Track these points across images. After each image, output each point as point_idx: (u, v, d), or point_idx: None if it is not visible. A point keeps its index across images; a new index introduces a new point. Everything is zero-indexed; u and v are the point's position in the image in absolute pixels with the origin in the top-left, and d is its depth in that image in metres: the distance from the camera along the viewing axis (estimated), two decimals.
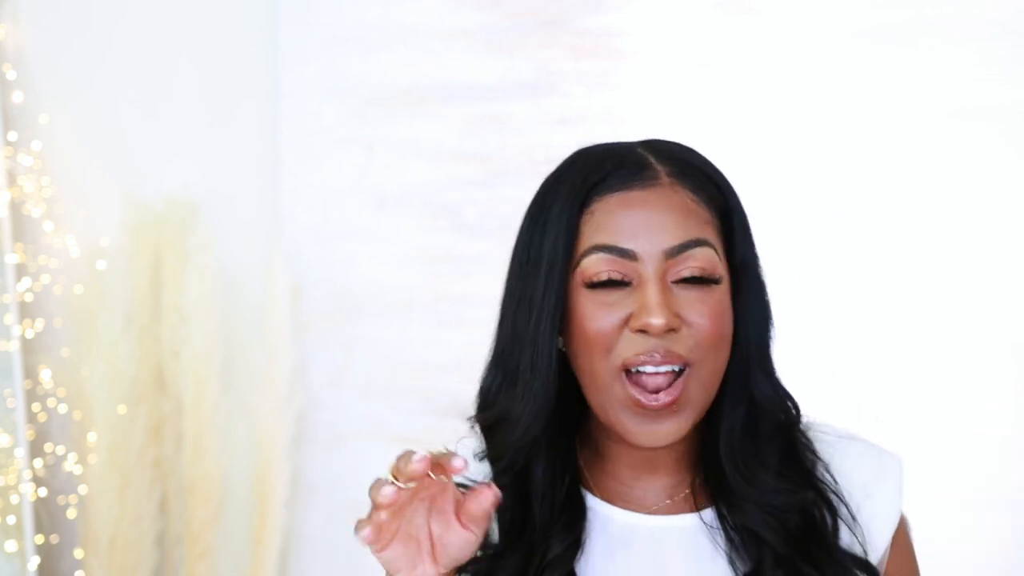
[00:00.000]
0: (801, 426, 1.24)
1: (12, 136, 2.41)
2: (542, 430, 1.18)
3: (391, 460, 1.02)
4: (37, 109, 2.46)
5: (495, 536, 1.20)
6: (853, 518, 1.20)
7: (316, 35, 2.94)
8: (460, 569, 1.15)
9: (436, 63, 2.82)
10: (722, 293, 1.16)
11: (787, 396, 1.22)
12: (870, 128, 2.43)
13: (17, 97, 2.43)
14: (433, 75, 2.83)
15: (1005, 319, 2.34)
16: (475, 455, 1.24)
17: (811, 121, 2.47)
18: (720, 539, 1.19)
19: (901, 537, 1.24)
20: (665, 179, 1.17)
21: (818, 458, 1.22)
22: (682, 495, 1.22)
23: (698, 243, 1.14)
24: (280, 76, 2.97)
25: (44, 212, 2.45)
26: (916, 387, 2.40)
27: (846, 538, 1.19)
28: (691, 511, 1.21)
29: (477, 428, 1.24)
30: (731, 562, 1.18)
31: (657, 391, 1.13)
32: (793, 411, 1.23)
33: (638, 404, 1.13)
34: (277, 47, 2.97)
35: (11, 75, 2.42)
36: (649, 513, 1.21)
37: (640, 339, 1.13)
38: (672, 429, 1.14)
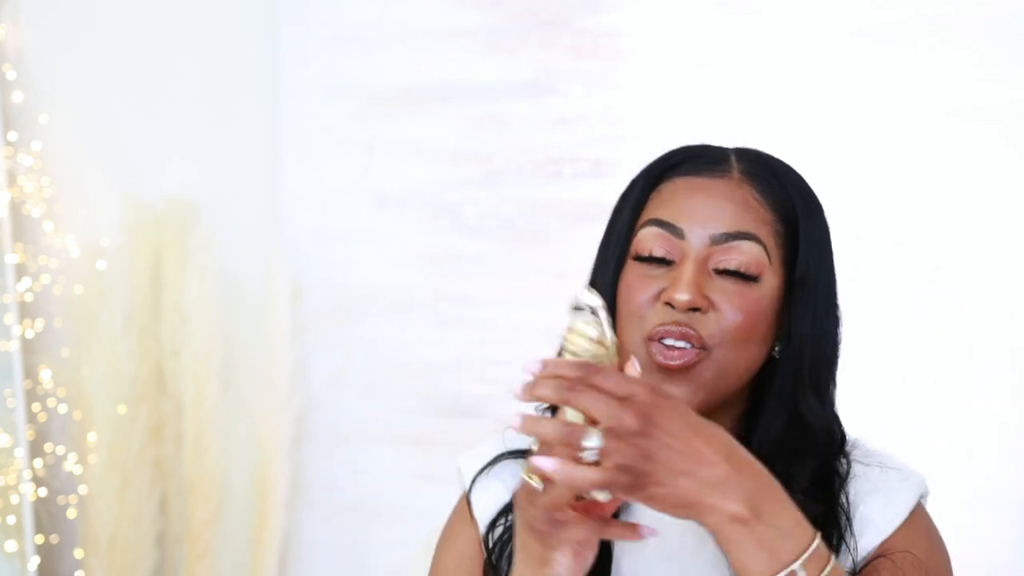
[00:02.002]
0: (847, 447, 1.23)
1: (12, 136, 2.41)
2: None
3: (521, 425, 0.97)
4: (37, 109, 2.46)
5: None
6: (855, 538, 1.17)
7: (316, 35, 2.94)
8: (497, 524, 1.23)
9: (436, 63, 2.82)
10: (763, 295, 1.18)
11: (835, 421, 1.23)
12: (870, 128, 2.43)
13: (17, 97, 2.43)
14: (433, 75, 2.83)
15: (1005, 320, 2.34)
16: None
17: (811, 121, 2.47)
18: None
19: (909, 531, 1.19)
20: (736, 174, 1.20)
21: (840, 476, 1.21)
22: None
23: (747, 237, 1.17)
24: (280, 76, 2.97)
25: (44, 212, 2.45)
26: (916, 387, 2.40)
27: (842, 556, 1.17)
28: None
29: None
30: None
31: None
32: (838, 438, 1.22)
33: (657, 365, 1.15)
34: (277, 47, 2.97)
35: (11, 75, 2.42)
36: None
37: (665, 311, 1.16)
38: (680, 393, 1.15)
